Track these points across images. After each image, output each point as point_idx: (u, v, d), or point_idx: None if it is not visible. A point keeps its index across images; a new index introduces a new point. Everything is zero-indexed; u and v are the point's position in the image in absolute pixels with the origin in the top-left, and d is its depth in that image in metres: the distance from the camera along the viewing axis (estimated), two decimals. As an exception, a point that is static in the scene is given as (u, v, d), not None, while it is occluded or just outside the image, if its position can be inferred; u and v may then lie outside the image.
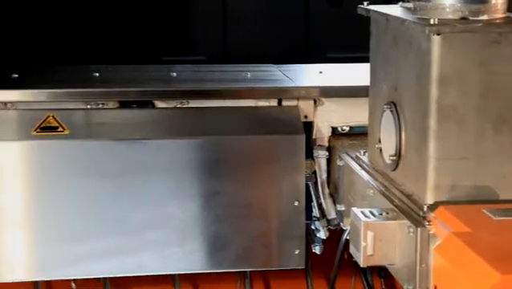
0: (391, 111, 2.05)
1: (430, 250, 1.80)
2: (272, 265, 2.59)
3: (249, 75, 2.75)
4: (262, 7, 4.87)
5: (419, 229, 1.82)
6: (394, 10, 2.07)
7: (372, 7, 2.17)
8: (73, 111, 2.45)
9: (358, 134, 2.56)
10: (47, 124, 2.41)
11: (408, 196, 1.97)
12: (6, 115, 2.42)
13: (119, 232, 2.44)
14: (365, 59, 2.53)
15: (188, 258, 2.49)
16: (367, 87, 2.30)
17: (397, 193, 2.03)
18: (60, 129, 2.41)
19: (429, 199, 1.88)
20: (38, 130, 2.40)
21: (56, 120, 2.42)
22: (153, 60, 4.39)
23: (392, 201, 2.02)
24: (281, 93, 2.56)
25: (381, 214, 1.99)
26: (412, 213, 1.91)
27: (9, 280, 2.52)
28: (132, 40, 4.72)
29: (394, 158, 2.04)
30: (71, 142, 2.41)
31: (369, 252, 1.95)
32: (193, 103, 2.53)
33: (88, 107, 2.48)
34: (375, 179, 2.17)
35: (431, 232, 1.81)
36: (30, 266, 2.45)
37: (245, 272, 2.85)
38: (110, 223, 2.43)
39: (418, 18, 1.91)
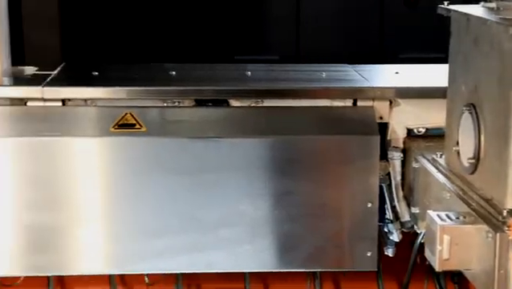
0: (470, 113, 2.01)
1: (509, 255, 1.76)
2: (343, 266, 2.57)
3: (324, 74, 2.74)
4: (336, 6, 4.85)
5: (498, 234, 1.78)
6: (475, 10, 2.03)
7: (453, 7, 2.13)
8: (150, 109, 2.49)
9: (434, 136, 2.52)
10: (125, 122, 2.46)
11: (487, 200, 1.93)
12: (86, 111, 2.48)
13: (192, 229, 2.46)
14: (440, 60, 2.51)
15: (259, 257, 2.50)
16: (445, 88, 2.26)
17: (475, 196, 1.99)
18: (137, 126, 2.45)
19: (509, 204, 1.83)
20: (116, 127, 2.45)
21: (134, 118, 2.46)
22: (226, 59, 4.42)
23: (469, 205, 1.98)
24: (356, 93, 2.55)
25: (458, 218, 1.96)
26: (491, 217, 1.87)
27: (86, 273, 2.58)
28: (205, 39, 4.77)
29: (472, 161, 2.00)
30: (147, 139, 2.45)
31: (445, 256, 1.92)
32: (268, 103, 2.54)
33: (165, 105, 2.52)
34: (452, 182, 2.14)
35: (511, 237, 1.77)
36: (106, 260, 2.50)
37: (315, 272, 2.84)
38: (183, 220, 2.46)
39: (501, 18, 1.87)
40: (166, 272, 2.68)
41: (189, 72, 2.83)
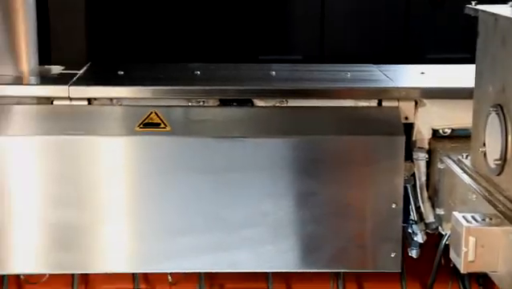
0: (497, 113, 2.00)
1: (537, 258, 1.75)
2: (367, 267, 2.56)
3: (348, 74, 2.73)
4: (360, 6, 4.82)
5: (525, 236, 1.77)
6: (503, 10, 2.02)
7: (480, 7, 2.11)
8: (175, 109, 2.50)
9: (460, 137, 2.50)
10: (150, 121, 2.47)
11: (514, 202, 1.91)
12: (112, 110, 2.50)
13: (216, 228, 2.47)
14: (466, 60, 2.49)
15: (282, 257, 2.50)
16: (471, 88, 2.25)
17: (501, 198, 1.97)
18: (162, 126, 2.47)
19: (537, 206, 1.82)
20: (141, 126, 2.46)
21: (158, 117, 2.47)
22: (250, 59, 4.42)
23: (495, 207, 1.96)
24: (381, 93, 2.54)
25: (484, 220, 1.95)
26: (518, 219, 1.85)
27: (110, 271, 2.60)
28: (229, 39, 4.78)
29: (499, 162, 1.98)
30: (172, 138, 2.46)
31: (470, 258, 1.91)
32: (292, 103, 2.53)
33: (189, 104, 2.53)
34: (478, 183, 2.12)
35: (538, 240, 1.76)
36: (130, 259, 2.51)
37: (338, 273, 2.84)
38: (207, 219, 2.47)
39: (529, 18, 1.85)
40: (189, 271, 2.68)
41: (214, 72, 2.83)
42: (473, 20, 2.19)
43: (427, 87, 2.57)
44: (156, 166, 2.46)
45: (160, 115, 2.48)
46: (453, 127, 2.54)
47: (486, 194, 2.04)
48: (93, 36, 4.60)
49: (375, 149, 2.46)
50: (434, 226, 2.56)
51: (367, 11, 4.81)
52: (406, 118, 2.53)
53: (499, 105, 2.00)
